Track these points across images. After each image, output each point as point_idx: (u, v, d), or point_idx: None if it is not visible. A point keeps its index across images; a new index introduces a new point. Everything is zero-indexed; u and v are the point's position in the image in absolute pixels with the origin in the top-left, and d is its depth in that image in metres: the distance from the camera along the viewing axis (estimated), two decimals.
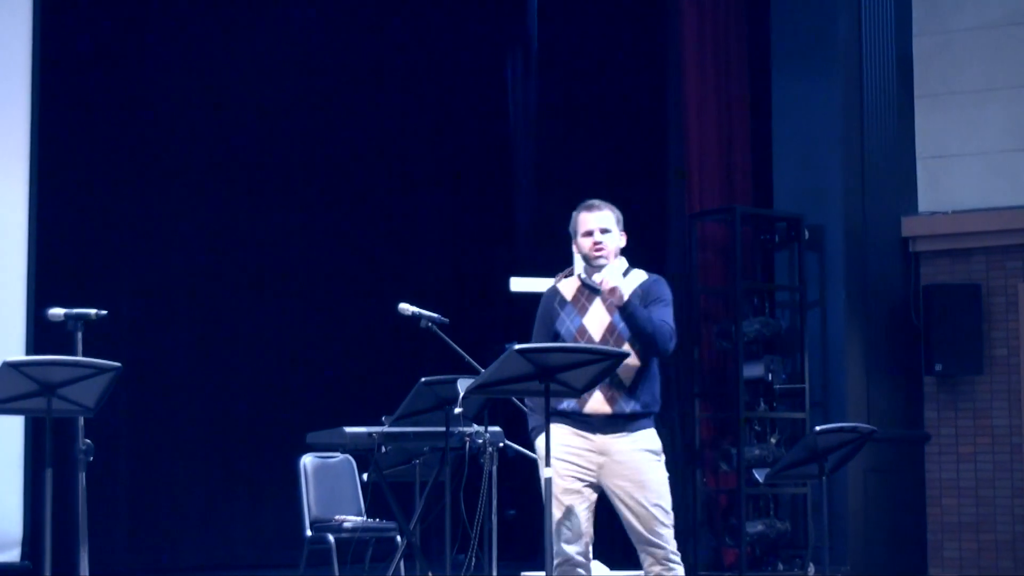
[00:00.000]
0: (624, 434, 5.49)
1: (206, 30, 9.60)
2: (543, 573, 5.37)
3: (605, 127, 10.80)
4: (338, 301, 10.13)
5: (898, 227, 10.62)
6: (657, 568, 5.53)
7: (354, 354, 10.04)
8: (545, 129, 10.99)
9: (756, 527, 9.98)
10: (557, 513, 5.48)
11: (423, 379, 6.19)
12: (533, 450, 5.67)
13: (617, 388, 5.43)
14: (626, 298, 5.41)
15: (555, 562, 5.41)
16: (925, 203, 10.68)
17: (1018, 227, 10.36)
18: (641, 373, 5.48)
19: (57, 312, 5.39)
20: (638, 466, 5.49)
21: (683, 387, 10.25)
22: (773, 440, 10.16)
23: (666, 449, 10.10)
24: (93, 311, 5.38)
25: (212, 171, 9.65)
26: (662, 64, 10.65)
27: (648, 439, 5.54)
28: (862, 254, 10.42)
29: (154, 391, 9.21)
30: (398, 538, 7.30)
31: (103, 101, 9.12)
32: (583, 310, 5.59)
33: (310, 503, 7.57)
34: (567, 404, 5.54)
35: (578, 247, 5.65)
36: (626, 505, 5.51)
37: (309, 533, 7.49)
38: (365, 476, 7.10)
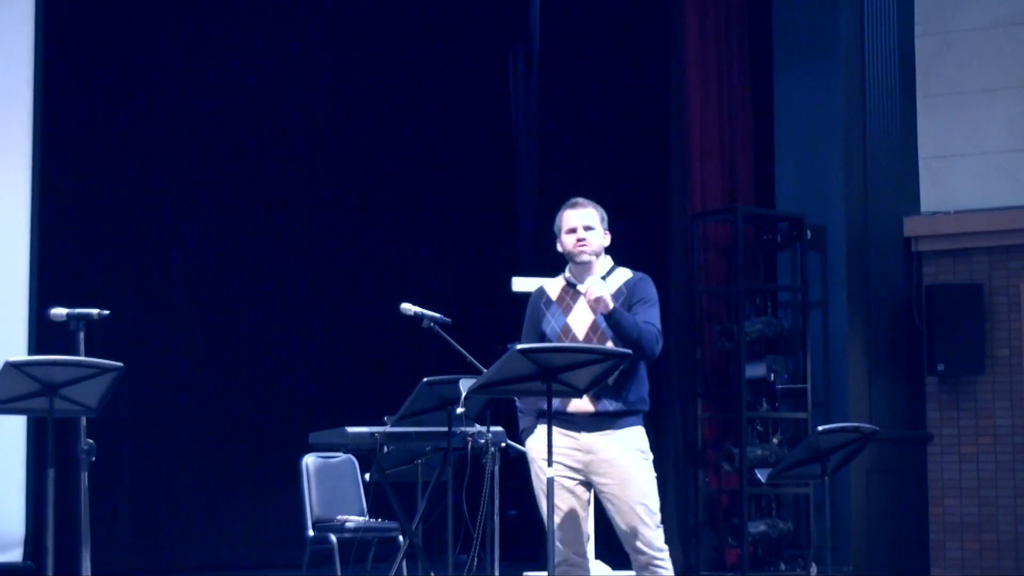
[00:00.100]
0: (609, 432, 5.50)
1: (208, 30, 9.60)
2: (545, 573, 5.37)
3: (607, 127, 10.80)
4: (340, 301, 10.13)
5: (900, 227, 10.62)
6: (642, 569, 5.52)
7: (356, 354, 10.04)
8: (547, 129, 10.99)
9: (758, 527, 9.97)
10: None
11: (425, 379, 6.19)
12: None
13: (601, 387, 5.44)
14: (611, 306, 5.41)
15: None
16: (927, 203, 10.68)
17: (1020, 227, 10.35)
18: (626, 373, 5.48)
19: (59, 312, 5.39)
20: (622, 464, 5.50)
21: (685, 387, 10.25)
22: (775, 440, 10.16)
23: (668, 449, 10.27)
24: (95, 311, 5.38)
25: (214, 171, 9.65)
26: (664, 64, 10.64)
27: (634, 437, 5.55)
28: (864, 254, 10.42)
29: (156, 391, 9.21)
30: (400, 538, 7.30)
31: (105, 101, 9.12)
32: (567, 309, 5.61)
33: (312, 503, 7.57)
34: (554, 404, 5.55)
35: (562, 245, 5.67)
36: (610, 503, 5.53)
37: (311, 533, 7.49)
38: (367, 476, 7.10)
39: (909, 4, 10.72)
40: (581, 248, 5.60)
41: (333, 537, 7.40)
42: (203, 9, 9.58)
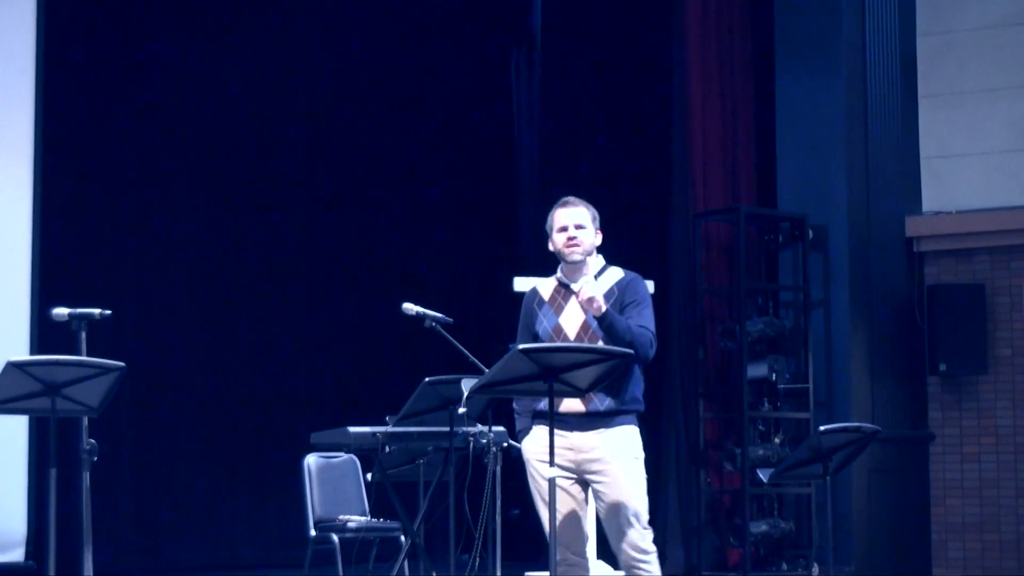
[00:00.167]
0: (600, 431, 5.51)
1: (209, 29, 9.60)
2: (547, 573, 5.37)
3: (609, 127, 10.80)
4: (342, 301, 10.12)
5: (902, 227, 10.61)
6: (627, 568, 5.52)
7: (358, 354, 10.04)
8: (548, 129, 10.99)
9: (760, 527, 9.97)
10: (547, 514, 5.50)
11: (427, 379, 6.19)
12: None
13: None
14: (604, 309, 5.40)
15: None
16: (929, 203, 10.68)
17: (1022, 227, 10.35)
18: (619, 373, 5.48)
19: (61, 312, 5.39)
20: (611, 463, 5.50)
21: (687, 387, 10.25)
22: (777, 440, 10.15)
23: (670, 449, 10.27)
24: (97, 311, 5.38)
25: (216, 171, 9.64)
26: (666, 63, 10.65)
27: (625, 437, 5.54)
28: (866, 254, 10.42)
29: (158, 391, 9.21)
30: (402, 538, 7.30)
31: (107, 101, 9.12)
32: (559, 309, 5.62)
33: (314, 503, 7.57)
34: (543, 404, 5.55)
35: (553, 244, 5.68)
36: (599, 501, 5.55)
37: (313, 533, 7.49)
38: (369, 476, 7.10)
39: (910, 4, 10.72)
40: (572, 247, 5.61)
41: (335, 537, 7.40)
42: (204, 8, 9.58)
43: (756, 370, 10.08)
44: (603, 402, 5.48)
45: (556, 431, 5.51)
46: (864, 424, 6.73)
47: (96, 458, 5.31)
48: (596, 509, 5.58)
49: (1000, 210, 10.43)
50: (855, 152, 10.41)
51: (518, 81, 11.18)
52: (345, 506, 7.66)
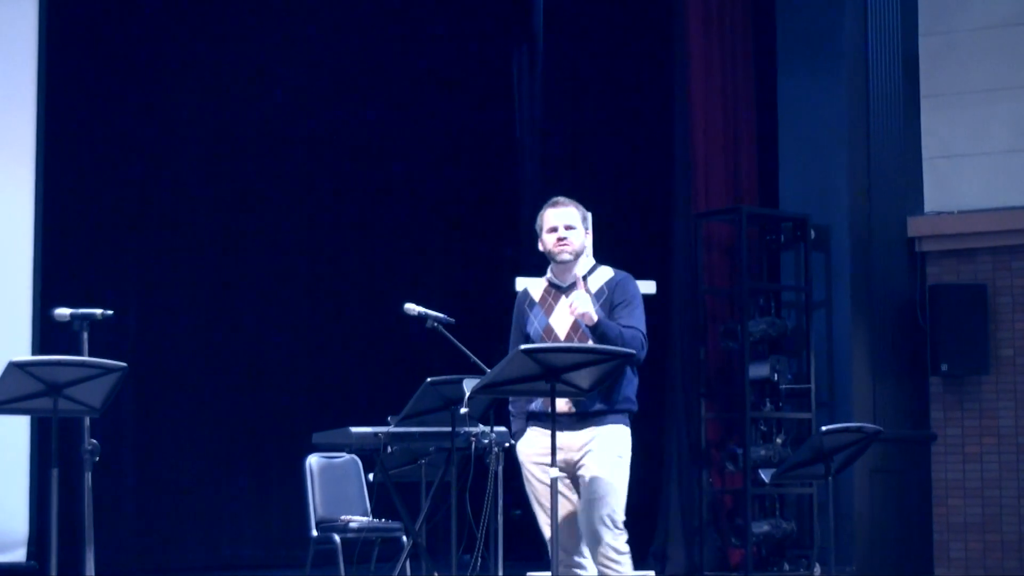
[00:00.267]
0: (589, 430, 5.49)
1: (212, 29, 9.60)
2: (548, 574, 5.37)
3: (610, 126, 10.80)
4: (344, 301, 10.13)
5: (904, 227, 10.61)
6: (599, 566, 5.50)
7: (360, 354, 10.04)
8: (550, 128, 10.99)
9: (762, 527, 9.97)
10: (543, 516, 5.50)
11: (429, 379, 6.19)
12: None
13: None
14: (596, 319, 5.40)
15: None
16: (931, 203, 10.67)
17: None
18: None
19: (63, 312, 5.39)
20: (593, 461, 5.48)
21: (689, 387, 10.25)
22: (779, 440, 10.15)
23: (672, 449, 10.27)
24: (99, 311, 5.39)
25: (218, 171, 9.64)
26: (668, 64, 10.65)
27: (612, 437, 5.52)
28: (868, 254, 10.42)
29: (160, 391, 9.21)
30: (404, 538, 7.29)
31: (109, 101, 9.12)
32: (549, 310, 5.62)
33: (316, 503, 7.57)
34: (535, 404, 5.56)
35: (543, 244, 5.67)
36: (579, 497, 5.50)
37: (315, 533, 7.49)
38: (371, 476, 7.10)
39: (913, 4, 10.72)
40: (562, 247, 5.60)
41: (337, 537, 7.40)
42: (205, 8, 9.58)
43: (758, 370, 10.08)
44: (593, 402, 5.47)
45: (544, 431, 5.53)
46: (866, 424, 6.72)
47: (98, 458, 5.31)
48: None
49: (1002, 210, 10.42)
50: (857, 152, 10.40)
51: (520, 81, 11.18)
52: (347, 506, 7.66)
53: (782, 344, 10.32)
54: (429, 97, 10.69)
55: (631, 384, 5.60)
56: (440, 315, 6.25)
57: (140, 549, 9.01)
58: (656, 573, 9.50)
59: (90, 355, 5.23)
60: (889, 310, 10.49)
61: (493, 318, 10.18)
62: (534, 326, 5.62)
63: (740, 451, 9.97)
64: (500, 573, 6.41)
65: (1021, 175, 10.43)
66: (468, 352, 6.15)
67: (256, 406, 9.57)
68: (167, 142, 9.43)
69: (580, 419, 5.50)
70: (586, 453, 5.50)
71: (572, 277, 5.62)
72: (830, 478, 6.33)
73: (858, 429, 6.44)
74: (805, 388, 10.19)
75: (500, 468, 6.04)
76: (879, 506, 10.22)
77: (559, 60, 10.96)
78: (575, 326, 5.52)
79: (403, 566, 6.91)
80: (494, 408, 6.16)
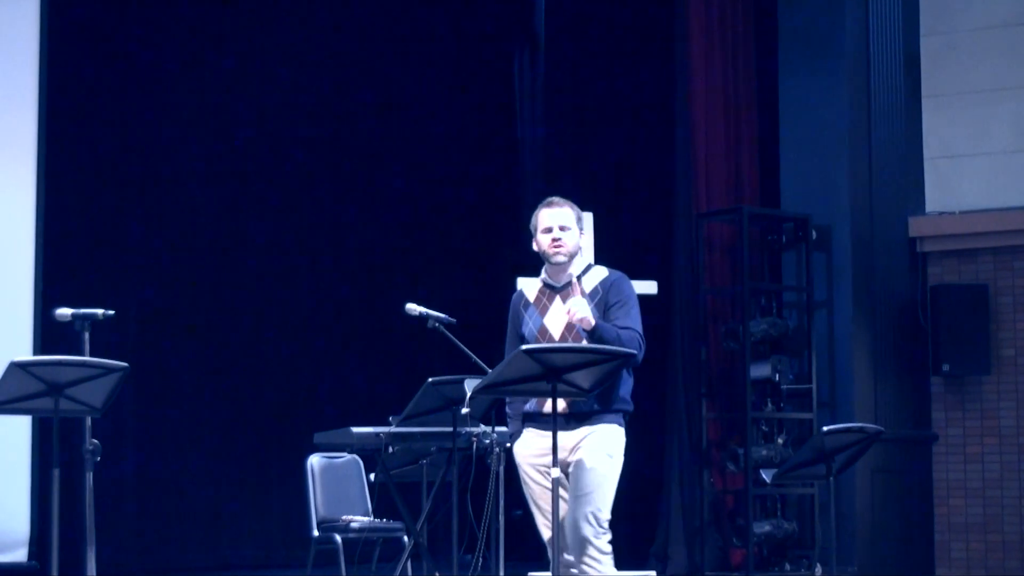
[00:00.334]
0: (582, 429, 5.47)
1: (214, 29, 9.60)
2: (549, 574, 5.36)
3: (612, 127, 10.80)
4: (345, 301, 10.12)
5: (905, 227, 10.61)
6: (578, 563, 5.47)
7: (361, 354, 10.04)
8: (552, 128, 10.98)
9: (763, 528, 9.97)
10: (540, 518, 5.50)
11: (430, 379, 6.19)
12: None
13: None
14: (593, 323, 5.39)
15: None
16: (932, 203, 10.67)
17: None
18: None
19: (64, 312, 5.39)
20: (582, 458, 5.45)
21: (690, 387, 10.25)
22: (780, 440, 10.15)
23: (673, 449, 10.26)
24: (100, 311, 5.39)
25: (219, 170, 9.64)
26: (669, 64, 10.65)
27: (603, 436, 5.50)
28: (869, 254, 10.41)
29: (161, 391, 9.21)
30: (405, 538, 7.30)
31: (110, 101, 9.12)
32: (544, 310, 5.62)
33: (317, 503, 7.57)
34: (529, 405, 5.55)
35: (537, 244, 5.66)
36: (568, 493, 5.48)
37: (316, 533, 7.49)
38: (372, 476, 7.10)
39: (914, 4, 10.72)
40: (556, 248, 5.59)
41: (338, 537, 7.40)
42: (207, 8, 9.58)
43: (759, 370, 10.08)
44: (587, 402, 5.46)
45: (540, 432, 5.53)
46: (867, 424, 6.72)
47: (99, 458, 5.31)
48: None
49: (1004, 210, 10.42)
50: (858, 152, 10.40)
51: (521, 81, 11.18)
52: (348, 506, 7.66)
53: (783, 344, 10.31)
54: (430, 98, 10.68)
55: (626, 384, 5.59)
56: (441, 315, 6.25)
57: (141, 549, 9.01)
58: (657, 573, 9.49)
59: (91, 355, 5.23)
60: (890, 310, 10.49)
61: (494, 318, 10.16)
62: (529, 327, 5.61)
63: (741, 451, 9.96)
64: (501, 573, 6.41)
65: (1022, 175, 10.43)
66: (469, 352, 6.16)
67: (257, 406, 9.57)
68: (168, 142, 9.43)
69: (574, 419, 5.48)
70: (576, 451, 5.48)
71: (567, 277, 5.61)
72: (831, 478, 6.32)
73: (859, 429, 6.44)
74: (806, 388, 10.19)
75: (501, 468, 6.04)
76: (880, 506, 10.22)
77: (560, 61, 10.95)
78: (569, 326, 5.51)
79: (404, 566, 6.91)
80: (495, 408, 6.16)
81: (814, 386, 10.17)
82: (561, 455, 5.47)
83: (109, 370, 5.10)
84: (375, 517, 7.60)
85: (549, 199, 5.70)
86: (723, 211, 10.43)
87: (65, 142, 8.67)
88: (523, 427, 5.63)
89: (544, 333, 5.56)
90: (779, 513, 10.16)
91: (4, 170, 8.28)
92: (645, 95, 10.81)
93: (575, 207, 5.68)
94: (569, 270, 5.62)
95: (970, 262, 10.56)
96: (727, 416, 10.29)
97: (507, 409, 5.78)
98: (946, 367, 10.35)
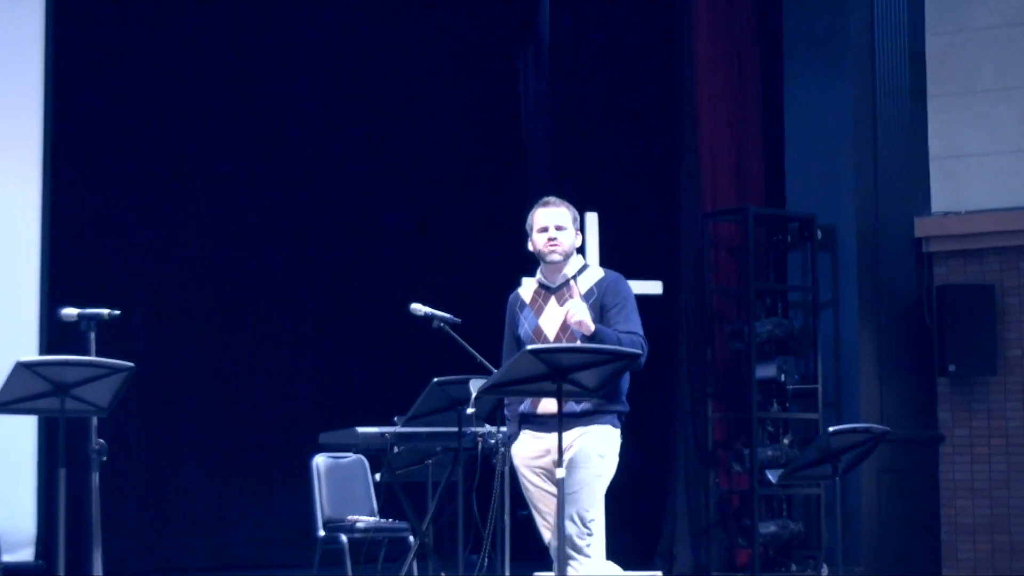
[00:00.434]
0: (575, 429, 5.43)
1: (218, 29, 9.61)
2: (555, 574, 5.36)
3: (617, 127, 10.79)
4: (350, 302, 10.13)
5: (911, 227, 10.59)
6: (558, 560, 5.44)
7: (366, 354, 10.05)
8: (556, 128, 10.98)
9: (769, 528, 9.96)
10: (540, 519, 5.48)
11: (435, 379, 6.19)
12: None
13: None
14: (592, 328, 5.37)
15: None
16: (938, 203, 10.65)
17: None
18: None
19: (70, 312, 5.39)
20: (572, 457, 5.40)
21: (696, 387, 10.24)
22: (786, 441, 10.14)
23: (679, 450, 10.25)
24: (106, 311, 5.39)
25: (224, 171, 9.66)
26: (674, 64, 10.64)
27: (596, 436, 5.47)
28: (875, 254, 10.40)
29: (167, 391, 9.22)
30: (411, 538, 7.30)
31: (115, 102, 9.14)
32: (539, 311, 5.60)
33: (323, 503, 7.57)
34: (524, 406, 5.53)
35: (533, 244, 5.65)
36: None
37: (322, 533, 7.50)
38: (378, 476, 7.10)
39: (920, 3, 10.70)
40: (552, 248, 5.57)
41: (343, 537, 7.41)
42: (213, 9, 9.59)
43: (765, 371, 10.07)
44: (579, 403, 5.43)
45: (534, 433, 5.52)
46: (873, 425, 6.72)
47: (105, 458, 5.31)
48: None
49: (1010, 210, 10.40)
50: (864, 152, 10.39)
51: (526, 81, 11.18)
52: (354, 506, 7.67)
53: (789, 344, 10.30)
54: (436, 99, 10.69)
55: (622, 384, 5.56)
56: (446, 315, 6.25)
57: (147, 548, 9.03)
58: (663, 573, 9.49)
59: (97, 355, 5.23)
60: (896, 310, 10.48)
61: (500, 319, 10.20)
62: (524, 328, 5.59)
63: (747, 451, 9.96)
64: (507, 573, 6.41)
65: None
66: (474, 352, 6.16)
67: (263, 406, 9.58)
68: (173, 142, 9.44)
69: (568, 420, 5.41)
70: (568, 451, 5.42)
71: (562, 278, 5.59)
72: (837, 479, 6.32)
73: (865, 430, 6.44)
74: (812, 388, 10.18)
75: (507, 468, 6.04)
76: (887, 507, 10.21)
77: (565, 60, 10.95)
78: (564, 327, 5.48)
79: (410, 566, 6.91)
80: (500, 408, 6.16)
81: (820, 386, 10.16)
82: (555, 456, 5.45)
83: (115, 370, 5.10)
84: (380, 517, 7.61)
85: (545, 199, 5.70)
86: (728, 211, 10.42)
87: (70, 142, 8.68)
88: (520, 429, 5.61)
89: (539, 334, 5.54)
90: (785, 513, 10.15)
91: (9, 170, 8.30)
92: (650, 96, 10.80)
93: (571, 207, 5.66)
94: (564, 270, 5.60)
95: (976, 262, 10.55)
96: (733, 416, 10.28)
97: (505, 411, 5.76)
98: (952, 367, 10.33)
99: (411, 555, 6.91)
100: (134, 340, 8.71)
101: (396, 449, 6.44)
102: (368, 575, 7.57)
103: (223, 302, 9.60)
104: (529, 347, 5.11)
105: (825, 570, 9.43)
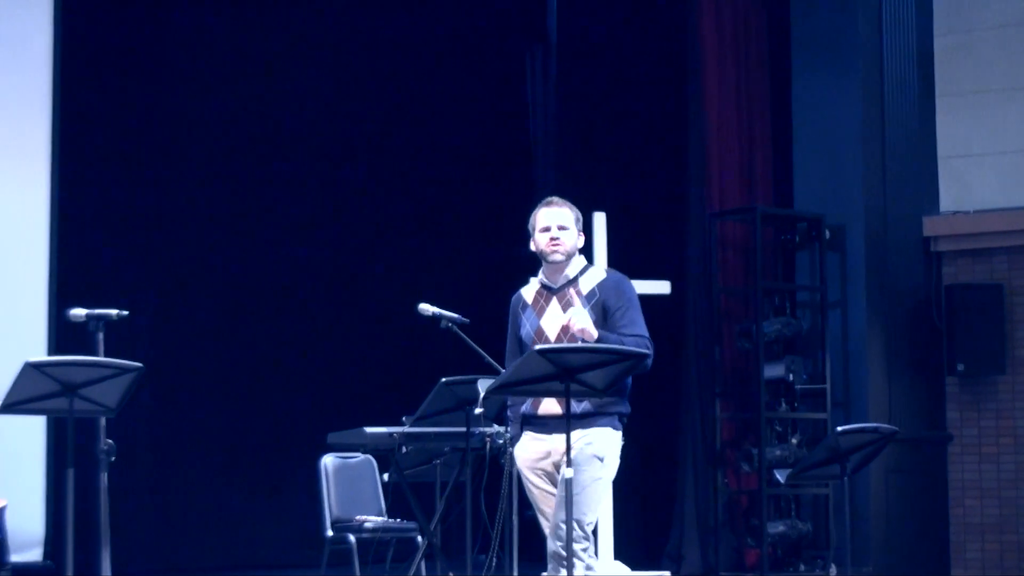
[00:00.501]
0: (576, 431, 5.37)
1: (226, 29, 9.62)
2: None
3: (624, 126, 10.79)
4: (359, 301, 10.13)
5: (919, 227, 10.58)
6: (553, 560, 5.42)
7: (375, 354, 10.05)
8: (564, 128, 10.98)
9: (778, 528, 9.95)
10: (543, 520, 5.47)
11: (443, 379, 6.19)
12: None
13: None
14: (595, 335, 5.36)
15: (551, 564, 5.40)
16: (947, 202, 10.64)
17: None
18: None
19: (79, 312, 5.40)
20: (572, 459, 5.36)
21: (704, 387, 10.24)
22: (794, 441, 10.14)
23: (687, 450, 10.25)
24: (114, 311, 5.39)
25: (232, 171, 9.66)
26: (682, 64, 10.64)
27: (594, 438, 5.44)
28: (883, 254, 10.39)
29: (175, 391, 9.23)
30: (419, 538, 7.30)
31: (123, 102, 9.14)
32: (541, 312, 5.58)
33: (331, 503, 7.57)
34: (525, 407, 5.52)
35: (535, 243, 5.63)
36: (557, 494, 5.45)
37: (330, 533, 7.50)
38: (386, 476, 7.11)
39: (928, 2, 10.69)
40: (554, 248, 5.56)
41: (352, 537, 7.41)
42: (220, 8, 9.60)
43: (773, 370, 10.07)
44: (580, 404, 5.40)
45: (536, 435, 5.51)
46: (882, 425, 6.71)
47: (113, 458, 5.32)
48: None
49: (1018, 210, 10.39)
50: (872, 151, 10.38)
51: (533, 81, 11.17)
52: (362, 506, 7.67)
53: (797, 344, 10.30)
54: (443, 99, 10.68)
55: (624, 386, 5.54)
56: (454, 315, 6.25)
57: (156, 549, 9.03)
58: (671, 573, 9.49)
59: (105, 355, 5.24)
60: (904, 310, 10.47)
61: (507, 319, 10.20)
62: (526, 328, 5.58)
63: (755, 451, 9.95)
64: (515, 573, 6.41)
65: None
66: (482, 352, 6.16)
67: (271, 406, 9.59)
68: (181, 142, 9.45)
69: (565, 421, 5.34)
70: (565, 451, 5.40)
71: (563, 278, 5.57)
72: (846, 478, 6.31)
73: (874, 429, 6.43)
74: (820, 388, 10.17)
75: (515, 468, 6.04)
76: (895, 507, 10.20)
77: (573, 60, 10.95)
78: (565, 328, 5.47)
79: (418, 566, 6.91)
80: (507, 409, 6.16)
81: (828, 386, 10.15)
82: (555, 458, 5.45)
83: (123, 370, 5.10)
84: (389, 517, 7.61)
85: (548, 199, 5.69)
86: (737, 211, 10.41)
87: (79, 143, 8.69)
88: (521, 431, 5.59)
89: (540, 335, 5.53)
90: (793, 513, 10.14)
91: (18, 171, 8.30)
92: (658, 95, 10.80)
93: (574, 208, 5.64)
94: (566, 271, 5.58)
95: (985, 261, 10.54)
96: (741, 416, 10.28)
97: (507, 412, 5.74)
98: (961, 367, 10.32)
99: (419, 555, 6.91)
100: (142, 340, 8.72)
101: (404, 449, 6.44)
102: (376, 575, 7.57)
103: (231, 303, 9.60)
104: (537, 347, 5.11)
105: (834, 570, 9.43)
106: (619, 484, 8.78)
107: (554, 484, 5.47)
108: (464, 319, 6.25)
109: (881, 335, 10.32)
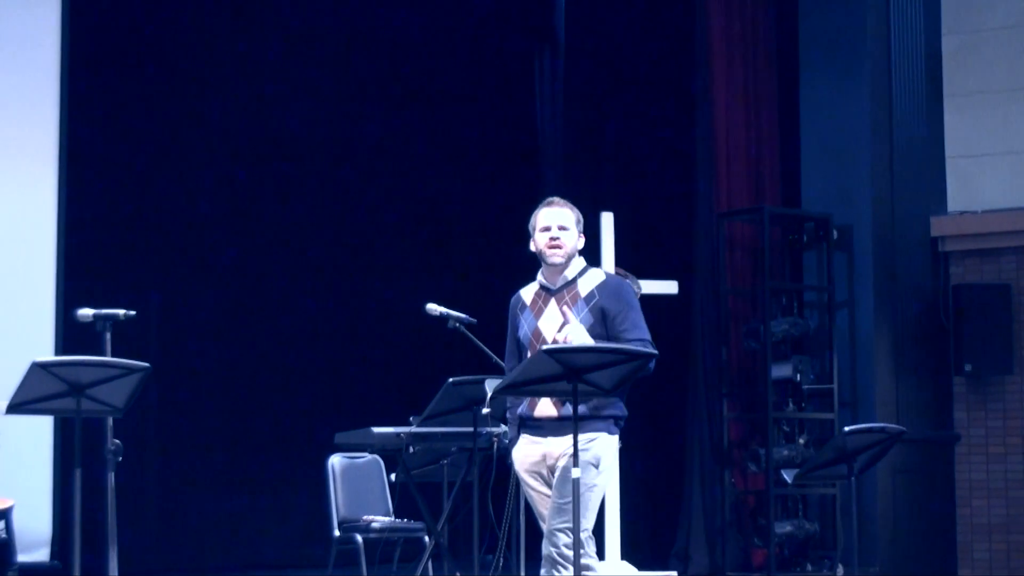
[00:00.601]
0: (568, 435, 5.29)
1: (234, 29, 9.62)
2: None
3: (632, 126, 10.79)
4: (366, 301, 10.13)
5: (927, 226, 10.57)
6: (545, 564, 5.39)
7: (382, 354, 10.04)
8: (572, 128, 10.97)
9: (785, 528, 9.95)
10: (543, 523, 5.46)
11: (451, 379, 6.19)
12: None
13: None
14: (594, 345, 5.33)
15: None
16: (954, 202, 10.63)
17: None
18: None
19: (86, 313, 5.40)
20: (565, 466, 5.31)
21: (711, 387, 10.24)
22: (801, 441, 10.13)
23: (694, 450, 10.25)
24: (122, 311, 5.40)
25: (240, 172, 9.67)
26: (690, 63, 10.64)
27: (592, 445, 5.36)
28: (891, 254, 10.38)
29: (182, 391, 9.23)
30: (426, 538, 7.30)
31: (131, 102, 9.15)
32: (539, 313, 5.55)
33: (338, 503, 7.57)
34: (521, 409, 5.50)
35: (535, 244, 5.60)
36: (551, 499, 5.43)
37: (337, 533, 7.50)
38: (393, 476, 7.11)
39: (936, 3, 10.68)
40: (554, 249, 5.52)
41: (359, 537, 7.41)
42: (228, 7, 9.60)
43: (780, 370, 10.06)
44: (577, 407, 5.37)
45: (532, 438, 5.48)
46: (889, 425, 6.70)
47: (121, 458, 5.32)
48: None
49: None
50: (880, 151, 10.37)
51: (541, 81, 11.16)
52: (369, 506, 7.67)
53: (804, 344, 10.29)
54: (450, 99, 10.68)
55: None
56: (462, 315, 6.25)
57: (163, 549, 9.04)
58: (678, 573, 9.49)
59: (113, 355, 5.24)
60: (912, 310, 10.46)
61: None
62: (524, 329, 5.55)
63: (762, 451, 9.95)
64: (522, 573, 6.41)
65: None
66: (490, 352, 6.15)
67: (278, 406, 9.59)
68: (189, 143, 9.45)
69: (564, 424, 5.33)
70: (563, 457, 5.34)
71: (562, 280, 5.54)
72: (853, 478, 6.31)
73: (881, 429, 6.42)
74: (828, 388, 10.17)
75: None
76: (902, 507, 10.19)
77: (580, 61, 10.94)
78: (563, 329, 5.46)
79: (425, 566, 6.91)
80: None
81: (835, 386, 10.15)
82: (551, 462, 5.42)
83: (131, 370, 5.11)
84: (396, 517, 7.61)
85: (549, 199, 5.65)
86: (744, 211, 10.41)
87: (86, 142, 8.69)
88: (520, 433, 5.57)
89: (538, 336, 5.49)
90: (800, 513, 10.14)
91: (25, 170, 8.31)
92: (666, 95, 10.79)
93: (575, 209, 5.60)
94: (565, 272, 5.55)
95: (992, 261, 10.52)
96: (748, 416, 10.27)
97: (507, 414, 5.72)
98: (968, 367, 10.30)
99: (426, 555, 6.91)
100: (149, 341, 8.72)
101: (411, 449, 6.44)
102: (383, 575, 7.57)
103: (238, 302, 9.61)
104: (544, 347, 5.10)
105: (841, 570, 9.43)
106: (626, 484, 8.80)
107: (550, 487, 5.45)
108: (471, 319, 6.25)
109: (888, 335, 10.30)
